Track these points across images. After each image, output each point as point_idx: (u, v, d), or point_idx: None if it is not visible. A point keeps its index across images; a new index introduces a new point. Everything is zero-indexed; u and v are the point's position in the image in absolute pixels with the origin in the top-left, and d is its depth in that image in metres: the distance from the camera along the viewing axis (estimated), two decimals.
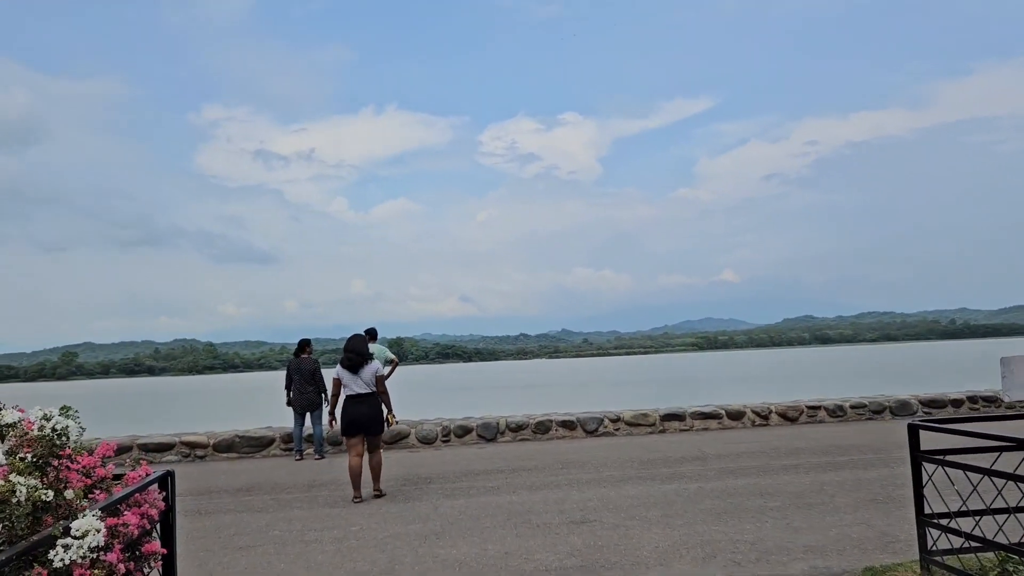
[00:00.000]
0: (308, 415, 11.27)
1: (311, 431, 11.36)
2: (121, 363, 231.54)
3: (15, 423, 3.12)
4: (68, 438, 3.10)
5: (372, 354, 8.17)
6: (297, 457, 11.08)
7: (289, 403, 11.30)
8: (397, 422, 8.41)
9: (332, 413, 8.26)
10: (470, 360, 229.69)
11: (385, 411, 8.05)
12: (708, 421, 12.77)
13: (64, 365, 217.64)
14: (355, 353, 7.99)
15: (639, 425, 12.62)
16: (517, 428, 12.24)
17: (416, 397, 38.19)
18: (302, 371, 11.27)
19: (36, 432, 3.01)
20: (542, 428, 12.31)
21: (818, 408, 13.11)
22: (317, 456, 11.09)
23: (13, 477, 2.71)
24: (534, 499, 7.65)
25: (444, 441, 11.95)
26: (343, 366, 8.01)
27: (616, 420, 12.57)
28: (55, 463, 2.95)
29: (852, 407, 13.19)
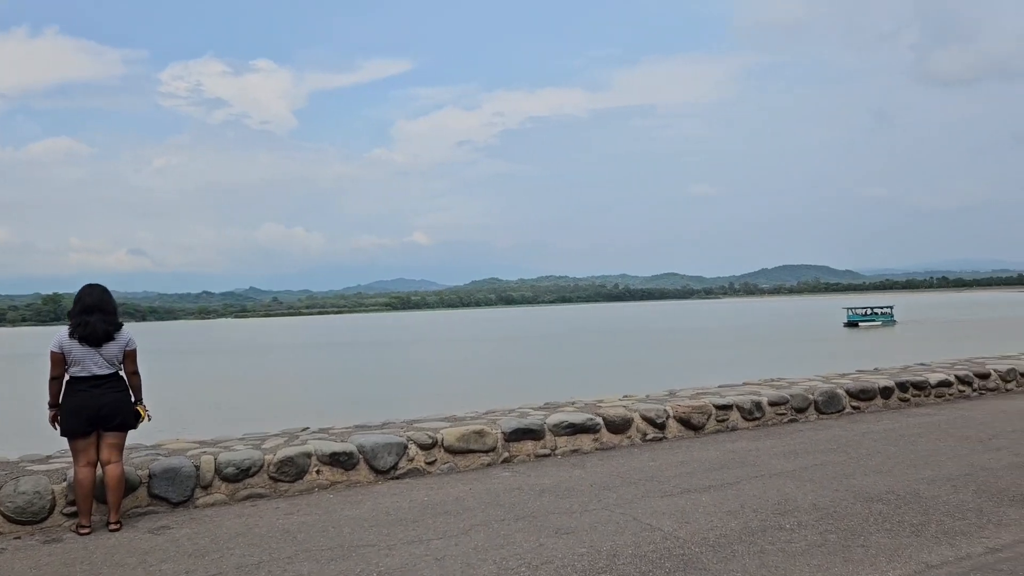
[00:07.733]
0: None
1: None
2: None
3: None
4: None
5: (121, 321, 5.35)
6: None
7: None
8: (150, 417, 5.37)
9: (54, 404, 5.15)
10: (144, 319, 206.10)
11: (134, 400, 5.39)
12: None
13: None
14: (104, 313, 5.16)
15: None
16: (430, 446, 6.64)
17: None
18: None
19: None
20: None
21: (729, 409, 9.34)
22: None
23: None
24: None
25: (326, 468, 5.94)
26: (78, 335, 5.08)
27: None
28: None
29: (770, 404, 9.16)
